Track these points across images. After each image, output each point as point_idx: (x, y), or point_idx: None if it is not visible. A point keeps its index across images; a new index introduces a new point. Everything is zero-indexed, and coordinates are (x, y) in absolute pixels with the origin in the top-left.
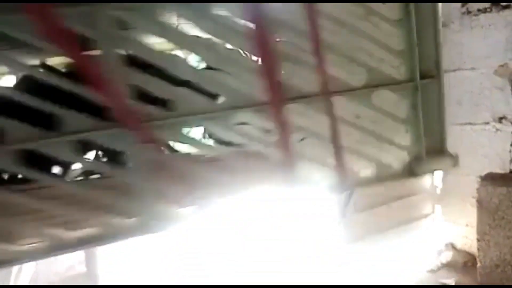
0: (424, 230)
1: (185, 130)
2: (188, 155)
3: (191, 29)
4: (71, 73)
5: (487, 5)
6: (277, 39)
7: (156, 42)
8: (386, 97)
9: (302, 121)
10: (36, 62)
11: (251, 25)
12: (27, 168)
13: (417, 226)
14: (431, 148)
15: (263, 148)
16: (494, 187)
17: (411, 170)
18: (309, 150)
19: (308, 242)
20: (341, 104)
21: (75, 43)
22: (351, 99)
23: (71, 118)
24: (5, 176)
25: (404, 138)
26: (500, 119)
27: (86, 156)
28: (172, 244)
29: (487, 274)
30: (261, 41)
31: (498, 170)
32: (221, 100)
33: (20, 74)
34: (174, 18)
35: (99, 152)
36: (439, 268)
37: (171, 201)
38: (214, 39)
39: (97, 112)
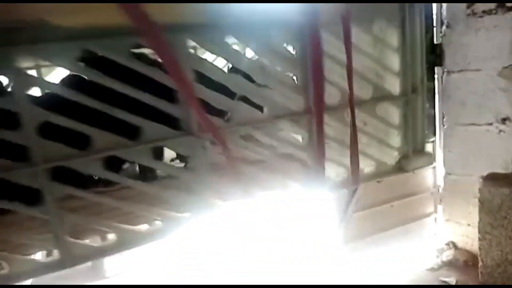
0: (425, 229)
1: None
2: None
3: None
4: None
5: (492, 6)
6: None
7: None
8: (385, 108)
9: (326, 129)
10: None
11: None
12: (113, 172)
13: (419, 225)
14: (415, 149)
15: (299, 152)
16: (497, 187)
17: (401, 167)
18: (329, 153)
19: (309, 242)
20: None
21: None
22: (361, 109)
23: (151, 128)
24: (93, 179)
25: (396, 140)
26: (504, 120)
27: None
28: (175, 244)
29: (488, 273)
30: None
31: (500, 170)
32: (265, 111)
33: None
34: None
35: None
36: (440, 267)
37: (223, 196)
38: (263, 60)
39: (170, 122)
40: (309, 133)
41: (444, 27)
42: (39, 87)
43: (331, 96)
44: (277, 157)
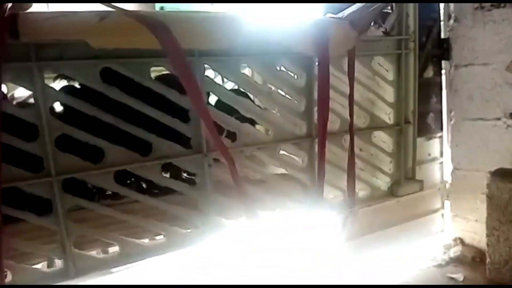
0: (432, 225)
1: None
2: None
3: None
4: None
5: None
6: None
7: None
8: (380, 136)
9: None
10: None
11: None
12: (124, 186)
13: (425, 221)
14: (406, 176)
15: (300, 175)
16: (505, 182)
17: (393, 192)
18: (327, 176)
19: (312, 252)
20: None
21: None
22: (358, 136)
23: (162, 144)
24: (107, 192)
25: (389, 167)
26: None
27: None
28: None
29: (496, 269)
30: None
31: (508, 165)
32: (270, 134)
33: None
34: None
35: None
36: (447, 263)
37: (227, 214)
38: (271, 86)
39: (179, 140)
40: (309, 156)
41: (451, 21)
42: (60, 100)
43: (331, 122)
44: (278, 178)
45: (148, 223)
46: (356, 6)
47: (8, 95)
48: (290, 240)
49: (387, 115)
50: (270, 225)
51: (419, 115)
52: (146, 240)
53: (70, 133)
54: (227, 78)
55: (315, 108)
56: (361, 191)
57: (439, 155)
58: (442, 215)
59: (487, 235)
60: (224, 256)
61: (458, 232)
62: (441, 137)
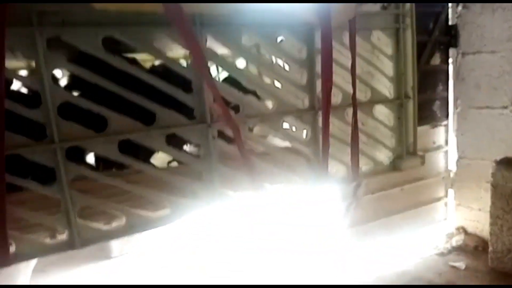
0: (435, 213)
1: None
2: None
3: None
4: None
5: None
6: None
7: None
8: (381, 110)
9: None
10: None
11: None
12: (127, 156)
13: (429, 210)
14: (407, 150)
15: (304, 148)
16: (510, 171)
17: (395, 166)
18: (330, 150)
19: (316, 227)
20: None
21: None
22: (359, 110)
23: (165, 114)
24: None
25: (391, 141)
26: None
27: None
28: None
29: (498, 258)
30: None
31: None
32: (272, 106)
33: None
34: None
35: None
36: (449, 252)
37: (233, 186)
38: (273, 58)
39: (183, 110)
40: (312, 129)
41: (459, 7)
42: (63, 68)
43: (333, 96)
44: (282, 151)
45: (152, 194)
46: None
47: None
48: (294, 214)
49: (387, 89)
50: (275, 199)
51: (425, 102)
52: (150, 211)
53: (73, 101)
54: (228, 48)
55: (318, 81)
56: (364, 165)
57: (444, 143)
58: (446, 203)
59: (491, 224)
60: (229, 227)
61: (461, 221)
62: (446, 125)
